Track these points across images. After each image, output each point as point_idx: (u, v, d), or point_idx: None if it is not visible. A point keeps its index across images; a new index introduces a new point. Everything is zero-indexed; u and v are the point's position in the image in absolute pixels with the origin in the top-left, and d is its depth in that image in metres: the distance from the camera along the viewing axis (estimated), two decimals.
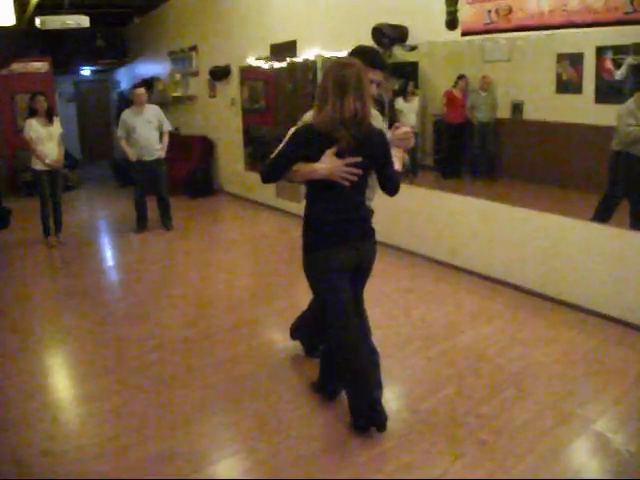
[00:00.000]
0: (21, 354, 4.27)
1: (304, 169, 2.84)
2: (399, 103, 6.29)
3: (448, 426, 3.12)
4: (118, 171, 11.69)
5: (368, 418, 3.02)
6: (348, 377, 3.07)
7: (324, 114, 2.77)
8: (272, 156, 2.93)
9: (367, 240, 3.03)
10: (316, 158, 2.80)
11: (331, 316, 3.04)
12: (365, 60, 2.99)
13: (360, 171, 2.81)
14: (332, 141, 2.77)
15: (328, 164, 2.78)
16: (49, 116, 6.93)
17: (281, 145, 2.95)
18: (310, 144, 2.82)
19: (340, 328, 3.04)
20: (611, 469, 2.78)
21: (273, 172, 2.92)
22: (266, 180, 2.95)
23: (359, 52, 3.16)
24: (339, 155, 2.78)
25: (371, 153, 2.85)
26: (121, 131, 7.45)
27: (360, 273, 3.08)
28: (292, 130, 3.01)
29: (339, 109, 2.72)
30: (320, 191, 2.92)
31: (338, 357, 3.10)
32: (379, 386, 3.28)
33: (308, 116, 3.14)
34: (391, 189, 3.00)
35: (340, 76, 2.74)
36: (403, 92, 6.28)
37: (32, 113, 6.91)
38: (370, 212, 3.19)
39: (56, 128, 7.00)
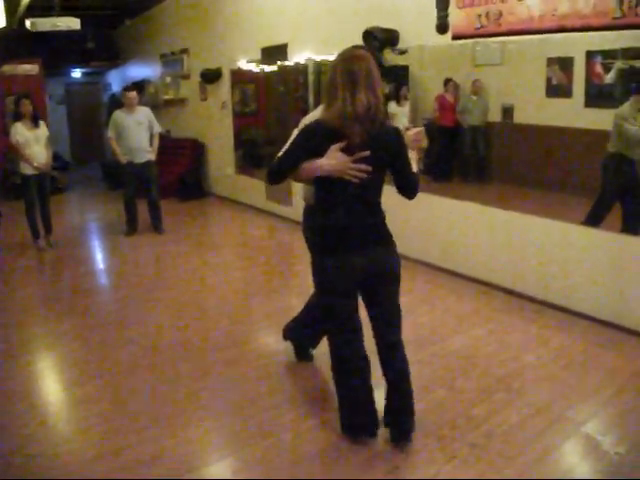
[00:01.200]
0: (10, 357, 4.24)
1: (310, 166, 2.66)
2: (392, 107, 6.30)
3: (439, 428, 3.12)
4: (108, 173, 11.65)
5: (355, 427, 3.01)
6: (339, 385, 3.04)
7: (334, 109, 2.60)
8: (279, 155, 2.79)
9: (382, 246, 2.82)
10: (324, 156, 2.65)
11: (331, 323, 2.99)
12: None
13: (370, 168, 2.62)
14: (342, 137, 2.60)
15: (333, 159, 2.62)
16: (34, 119, 6.90)
17: (288, 143, 2.85)
18: (320, 141, 2.64)
19: (338, 338, 2.98)
20: (600, 471, 2.80)
21: (280, 171, 2.74)
22: (272, 180, 2.77)
23: None
24: (348, 151, 2.60)
25: (386, 151, 2.68)
26: (112, 131, 7.43)
27: (377, 283, 2.86)
28: (296, 131, 2.93)
29: (351, 103, 2.54)
30: (330, 192, 2.75)
31: (332, 364, 3.05)
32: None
33: (309, 117, 3.07)
34: (409, 191, 2.84)
35: (349, 68, 2.58)
36: (397, 96, 6.29)
37: (17, 117, 6.87)
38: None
39: (42, 131, 6.96)
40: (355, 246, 2.76)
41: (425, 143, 3.03)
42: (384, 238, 2.86)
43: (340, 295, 2.87)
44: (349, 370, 2.98)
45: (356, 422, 3.01)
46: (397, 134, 2.75)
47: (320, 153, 2.64)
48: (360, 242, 2.77)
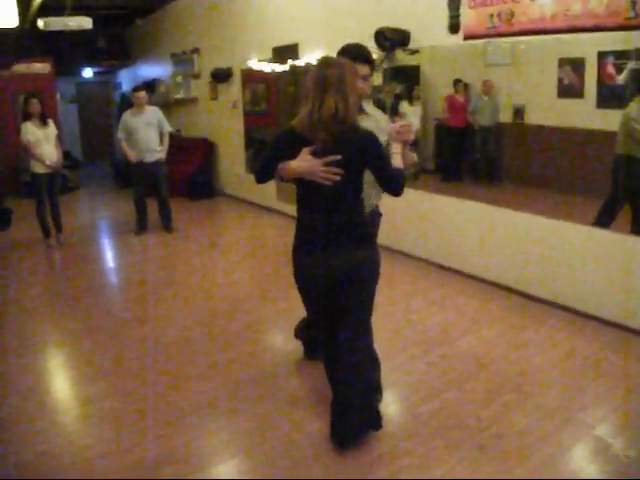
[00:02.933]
0: (19, 355, 4.27)
1: (284, 167, 2.76)
2: (404, 107, 6.29)
3: (448, 430, 3.12)
4: (119, 172, 11.70)
5: (338, 434, 3.00)
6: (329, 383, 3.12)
7: (302, 114, 2.69)
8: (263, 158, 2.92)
9: (356, 247, 2.82)
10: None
11: (311, 322, 3.15)
12: (349, 55, 2.97)
13: (341, 171, 2.67)
14: (309, 141, 2.69)
15: (303, 162, 2.69)
16: (43, 118, 6.93)
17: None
18: (289, 145, 2.73)
19: (322, 338, 3.11)
20: (610, 474, 2.78)
21: (262, 174, 2.89)
22: (258, 180, 2.92)
23: (344, 50, 3.13)
24: (317, 155, 2.67)
25: (357, 153, 2.69)
26: (121, 132, 7.47)
27: (345, 284, 2.85)
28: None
29: (318, 109, 2.61)
30: (306, 193, 2.83)
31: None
32: (379, 391, 3.31)
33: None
34: (392, 190, 2.79)
35: (321, 75, 2.64)
36: (409, 96, 6.28)
37: (26, 116, 6.90)
38: (371, 216, 3.12)
39: (51, 130, 7.00)
40: (327, 246, 2.81)
41: (411, 137, 2.93)
42: (359, 239, 2.86)
43: (311, 295, 2.99)
44: (326, 369, 3.12)
45: (332, 427, 3.03)
46: (370, 136, 2.73)
47: (291, 156, 2.72)
48: (332, 242, 2.80)
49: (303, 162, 2.69)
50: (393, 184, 2.79)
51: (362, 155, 2.71)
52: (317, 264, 2.84)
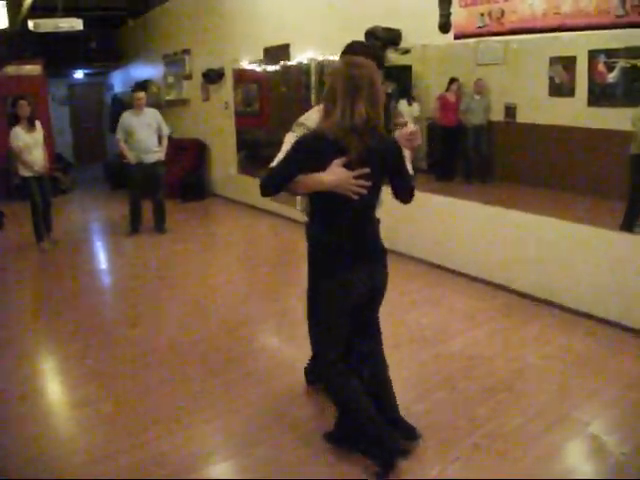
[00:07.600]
0: (12, 358, 4.24)
1: (309, 180, 2.52)
2: (402, 105, 6.29)
3: (441, 429, 3.11)
4: (111, 174, 11.66)
5: (386, 451, 2.78)
6: (351, 420, 2.92)
7: (332, 120, 2.47)
8: (273, 165, 2.64)
9: (379, 261, 2.80)
10: (323, 169, 2.48)
11: (326, 342, 2.86)
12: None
13: (370, 183, 2.51)
14: (342, 150, 2.46)
15: (335, 175, 2.48)
16: (31, 121, 6.87)
17: (283, 153, 2.70)
18: (318, 153, 2.50)
19: (330, 357, 2.85)
20: (605, 471, 2.78)
21: (275, 183, 2.57)
22: (266, 192, 2.58)
23: (360, 50, 2.78)
24: (348, 166, 2.48)
25: (384, 164, 2.58)
26: (120, 133, 7.43)
27: (372, 298, 2.85)
28: (290, 135, 2.83)
29: (349, 115, 2.43)
30: (327, 206, 2.62)
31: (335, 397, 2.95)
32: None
33: (308, 118, 2.93)
34: (407, 197, 2.75)
35: (350, 78, 2.45)
36: (407, 96, 6.27)
37: (15, 119, 6.82)
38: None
39: (39, 133, 6.96)
40: (360, 261, 2.69)
41: (419, 142, 2.88)
42: (381, 251, 2.85)
43: (344, 314, 2.76)
44: (351, 399, 2.84)
45: (377, 452, 2.83)
46: (396, 147, 2.66)
47: (318, 166, 2.50)
48: (363, 257, 2.71)
49: (337, 175, 2.47)
50: (408, 191, 2.75)
51: (390, 164, 2.62)
52: (359, 281, 2.69)
